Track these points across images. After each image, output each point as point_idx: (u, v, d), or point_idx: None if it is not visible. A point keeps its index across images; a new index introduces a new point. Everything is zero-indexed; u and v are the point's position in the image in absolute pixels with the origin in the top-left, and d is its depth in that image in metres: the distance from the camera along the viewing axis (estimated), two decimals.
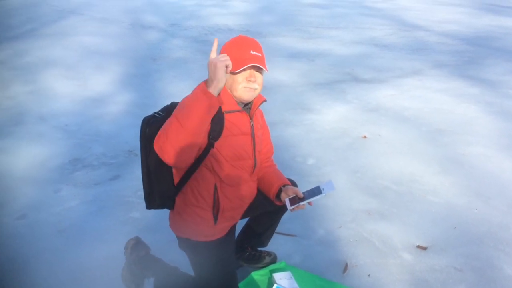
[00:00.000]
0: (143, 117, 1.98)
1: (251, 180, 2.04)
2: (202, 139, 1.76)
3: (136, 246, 2.24)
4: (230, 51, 1.84)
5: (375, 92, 5.37)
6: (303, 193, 1.96)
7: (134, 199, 3.11)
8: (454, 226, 2.82)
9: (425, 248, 2.61)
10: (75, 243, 2.66)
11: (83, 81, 5.86)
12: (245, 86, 1.85)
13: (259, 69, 1.88)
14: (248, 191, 2.03)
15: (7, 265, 2.50)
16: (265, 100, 2.01)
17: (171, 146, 1.66)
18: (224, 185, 1.92)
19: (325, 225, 2.85)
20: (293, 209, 1.93)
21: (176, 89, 5.43)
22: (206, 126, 1.73)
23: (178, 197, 1.95)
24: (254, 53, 1.86)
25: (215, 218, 1.94)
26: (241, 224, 2.30)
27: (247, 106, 1.97)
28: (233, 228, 2.10)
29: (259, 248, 2.51)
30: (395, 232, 2.77)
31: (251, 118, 1.96)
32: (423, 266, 2.48)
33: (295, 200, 1.94)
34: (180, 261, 2.16)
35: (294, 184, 2.21)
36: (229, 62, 1.68)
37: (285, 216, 2.36)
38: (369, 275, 2.42)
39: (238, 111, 1.91)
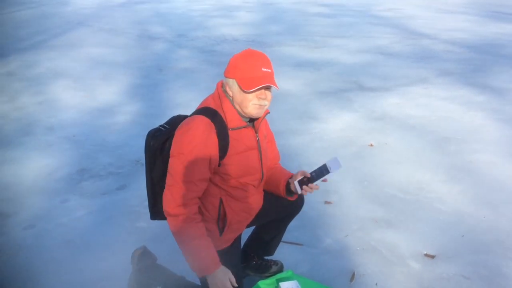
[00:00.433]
0: (148, 130, 2.00)
1: (257, 192, 2.04)
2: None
3: (143, 255, 2.25)
4: (241, 67, 1.82)
5: (381, 100, 5.37)
6: (311, 173, 1.94)
7: (141, 208, 3.12)
8: (462, 234, 2.80)
9: (433, 257, 2.60)
10: (82, 253, 2.68)
11: (91, 91, 5.92)
12: (255, 104, 1.83)
13: (269, 86, 1.86)
14: (255, 203, 2.03)
15: (14, 275, 2.51)
16: (269, 112, 2.01)
17: None
18: (230, 199, 1.93)
19: (332, 234, 2.84)
20: (305, 190, 1.92)
21: (183, 99, 5.47)
22: None
23: None
24: (265, 70, 1.83)
25: (221, 230, 1.95)
26: (247, 232, 2.30)
27: (252, 120, 1.96)
28: (238, 238, 2.10)
29: (266, 257, 2.50)
30: (402, 241, 2.75)
31: (256, 132, 1.96)
32: (431, 274, 2.46)
33: (304, 181, 1.92)
34: (187, 270, 2.15)
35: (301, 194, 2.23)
36: None
37: (292, 225, 2.37)
38: (376, 284, 2.40)
39: (244, 127, 1.90)
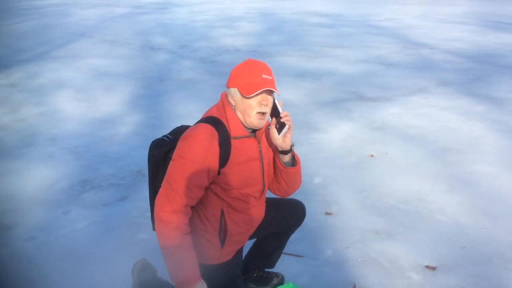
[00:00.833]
0: (152, 140, 2.02)
1: (259, 204, 2.05)
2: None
3: (143, 268, 2.25)
4: (242, 76, 1.86)
5: (381, 110, 5.40)
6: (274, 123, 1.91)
7: (142, 220, 3.13)
8: (462, 246, 2.81)
9: (433, 268, 2.60)
10: (83, 265, 2.68)
11: (93, 102, 5.95)
12: (258, 112, 1.84)
13: (270, 92, 1.88)
14: (256, 215, 2.04)
15: (16, 287, 2.52)
16: (269, 124, 2.02)
17: None
18: (231, 210, 1.94)
19: (332, 245, 2.84)
20: (283, 134, 1.87)
21: (185, 110, 5.49)
22: None
23: None
24: (266, 76, 1.86)
25: (222, 242, 1.95)
26: (248, 244, 2.31)
27: (255, 131, 1.97)
28: (240, 250, 2.10)
29: (267, 269, 2.50)
30: (403, 252, 2.76)
31: (259, 143, 1.97)
32: (432, 286, 2.46)
33: (275, 126, 1.89)
34: None
35: (303, 207, 2.26)
36: None
37: (292, 236, 2.38)
38: None
39: (247, 136, 1.91)
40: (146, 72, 7.70)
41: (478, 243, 2.84)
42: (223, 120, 1.87)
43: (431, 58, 8.32)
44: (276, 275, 2.50)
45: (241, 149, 1.88)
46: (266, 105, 1.85)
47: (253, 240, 2.37)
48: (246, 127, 1.91)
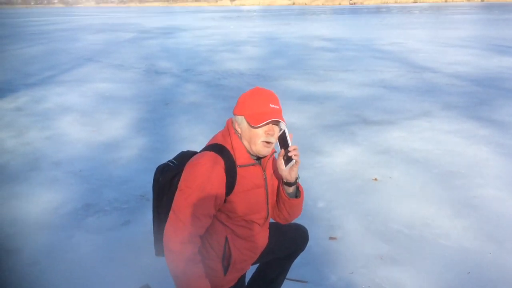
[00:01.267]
0: (157, 165, 2.02)
1: (263, 230, 2.05)
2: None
3: None
4: (249, 104, 1.87)
5: (385, 134, 5.41)
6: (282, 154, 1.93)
7: (145, 244, 3.11)
8: (467, 271, 2.77)
9: None
10: None
11: (98, 126, 6.01)
12: (263, 141, 1.86)
13: (277, 122, 1.89)
14: (260, 242, 2.03)
15: None
16: (275, 151, 2.04)
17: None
18: (235, 237, 1.94)
19: (336, 271, 2.81)
20: (289, 167, 1.91)
21: (189, 133, 5.53)
22: None
23: None
24: (273, 106, 1.87)
25: (225, 269, 1.94)
26: (251, 270, 2.29)
27: (260, 159, 1.98)
28: (243, 277, 2.09)
29: None
30: (408, 278, 2.72)
31: (264, 170, 1.98)
32: None
33: (284, 158, 1.92)
34: None
35: (305, 231, 2.25)
36: None
37: (296, 261, 2.36)
38: None
39: (252, 164, 1.92)
40: (150, 96, 7.78)
41: (484, 268, 2.80)
42: (229, 147, 1.88)
43: (435, 82, 8.36)
44: None
45: (246, 177, 1.89)
46: (272, 135, 1.87)
47: (256, 265, 2.35)
48: (251, 154, 1.92)
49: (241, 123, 1.88)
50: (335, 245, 3.09)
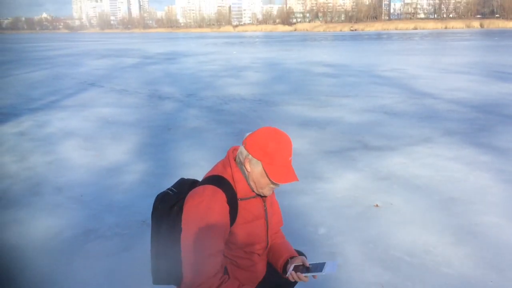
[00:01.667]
0: (157, 194, 2.03)
1: (261, 260, 2.05)
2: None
3: None
4: (271, 155, 1.82)
5: (386, 160, 5.42)
6: (310, 264, 1.95)
7: (146, 271, 3.10)
8: None
9: None
10: None
11: (100, 151, 6.04)
12: (272, 187, 1.89)
13: None
14: (259, 271, 2.03)
15: None
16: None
17: None
18: (235, 268, 1.94)
19: None
20: (291, 276, 1.92)
21: (190, 158, 5.55)
22: None
23: None
24: (291, 159, 1.87)
25: None
26: None
27: None
28: None
29: None
30: None
31: (264, 201, 1.98)
32: None
33: (299, 268, 1.93)
34: None
35: (303, 255, 2.22)
36: None
37: None
38: None
39: (253, 197, 1.93)
40: (153, 120, 7.84)
41: None
42: (229, 179, 1.88)
43: (435, 108, 8.42)
44: None
45: (247, 208, 1.90)
46: (278, 186, 1.89)
47: None
48: (253, 189, 1.93)
49: (256, 166, 1.84)
50: (336, 273, 3.07)
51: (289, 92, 10.50)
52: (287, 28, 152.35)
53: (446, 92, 10.03)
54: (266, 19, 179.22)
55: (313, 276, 1.93)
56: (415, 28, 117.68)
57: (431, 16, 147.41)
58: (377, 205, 4.16)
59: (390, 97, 9.62)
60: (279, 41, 50.87)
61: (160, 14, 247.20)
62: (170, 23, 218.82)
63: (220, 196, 1.82)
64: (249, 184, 1.90)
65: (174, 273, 1.94)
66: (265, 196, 1.97)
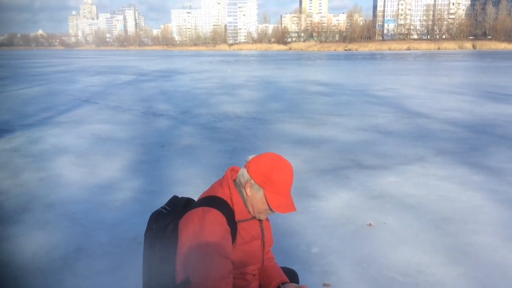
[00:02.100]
0: (151, 213, 2.01)
1: (255, 279, 2.04)
2: None
3: None
4: (274, 184, 1.83)
5: (379, 179, 5.43)
6: None
7: None
8: None
9: None
10: None
11: (92, 168, 6.01)
12: (269, 212, 1.90)
13: None
14: None
15: None
16: None
17: None
18: None
19: None
20: None
21: (184, 175, 5.53)
22: None
23: None
24: (290, 187, 1.89)
25: None
26: None
27: None
28: None
29: None
30: None
31: (260, 222, 1.99)
32: None
33: None
34: None
35: (295, 274, 2.20)
36: None
37: None
38: None
39: (251, 219, 1.93)
40: (147, 137, 7.83)
41: None
42: (228, 201, 1.88)
43: (428, 128, 8.47)
44: None
45: (246, 229, 1.91)
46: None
47: None
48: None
49: (257, 192, 1.85)
50: None
51: (283, 111, 10.55)
52: (282, 47, 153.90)
53: (439, 112, 10.12)
54: (261, 38, 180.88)
55: None
56: (409, 49, 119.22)
57: (424, 37, 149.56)
58: (370, 224, 4.15)
59: (384, 116, 9.69)
60: (274, 60, 51.28)
61: (156, 32, 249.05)
62: (165, 41, 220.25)
63: (221, 219, 1.82)
64: (246, 207, 1.90)
65: None
66: (261, 220, 1.98)
